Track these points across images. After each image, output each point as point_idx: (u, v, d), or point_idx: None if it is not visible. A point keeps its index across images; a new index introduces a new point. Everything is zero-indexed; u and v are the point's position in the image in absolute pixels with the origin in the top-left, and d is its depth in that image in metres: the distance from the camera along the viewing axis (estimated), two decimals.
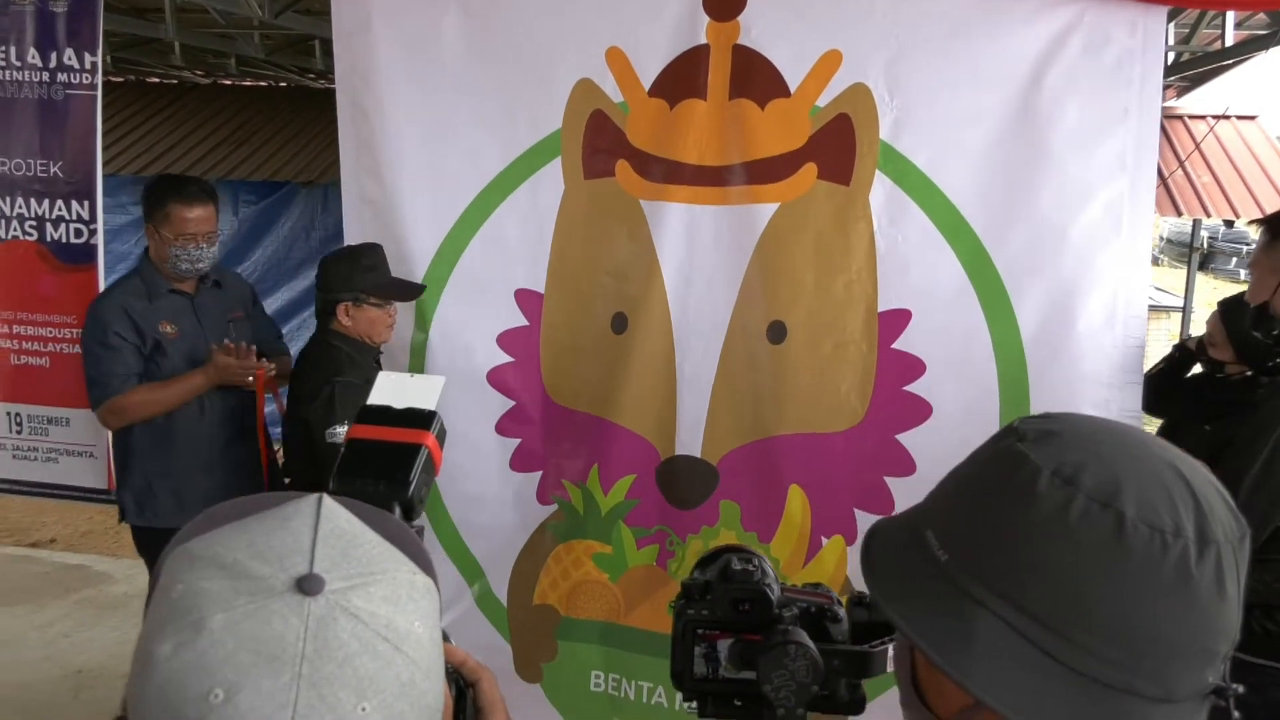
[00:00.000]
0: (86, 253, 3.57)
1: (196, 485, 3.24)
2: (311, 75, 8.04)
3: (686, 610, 1.03)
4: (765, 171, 2.74)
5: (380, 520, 0.75)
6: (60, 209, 3.55)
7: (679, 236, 2.83)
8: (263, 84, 8.93)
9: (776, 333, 2.78)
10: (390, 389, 1.19)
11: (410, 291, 3.19)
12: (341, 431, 3.13)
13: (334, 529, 0.70)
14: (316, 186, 7.80)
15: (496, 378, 3.01)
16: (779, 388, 2.79)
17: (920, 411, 2.73)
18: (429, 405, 1.16)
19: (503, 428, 3.03)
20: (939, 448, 2.69)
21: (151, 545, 3.28)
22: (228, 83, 8.92)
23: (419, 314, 3.05)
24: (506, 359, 3.01)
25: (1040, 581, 0.71)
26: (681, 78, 2.78)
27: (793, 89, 2.71)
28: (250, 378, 3.20)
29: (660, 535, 2.94)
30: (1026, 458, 0.75)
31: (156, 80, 8.90)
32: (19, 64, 3.48)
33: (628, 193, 2.86)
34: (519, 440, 3.03)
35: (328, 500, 0.72)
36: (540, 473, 3.04)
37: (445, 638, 0.78)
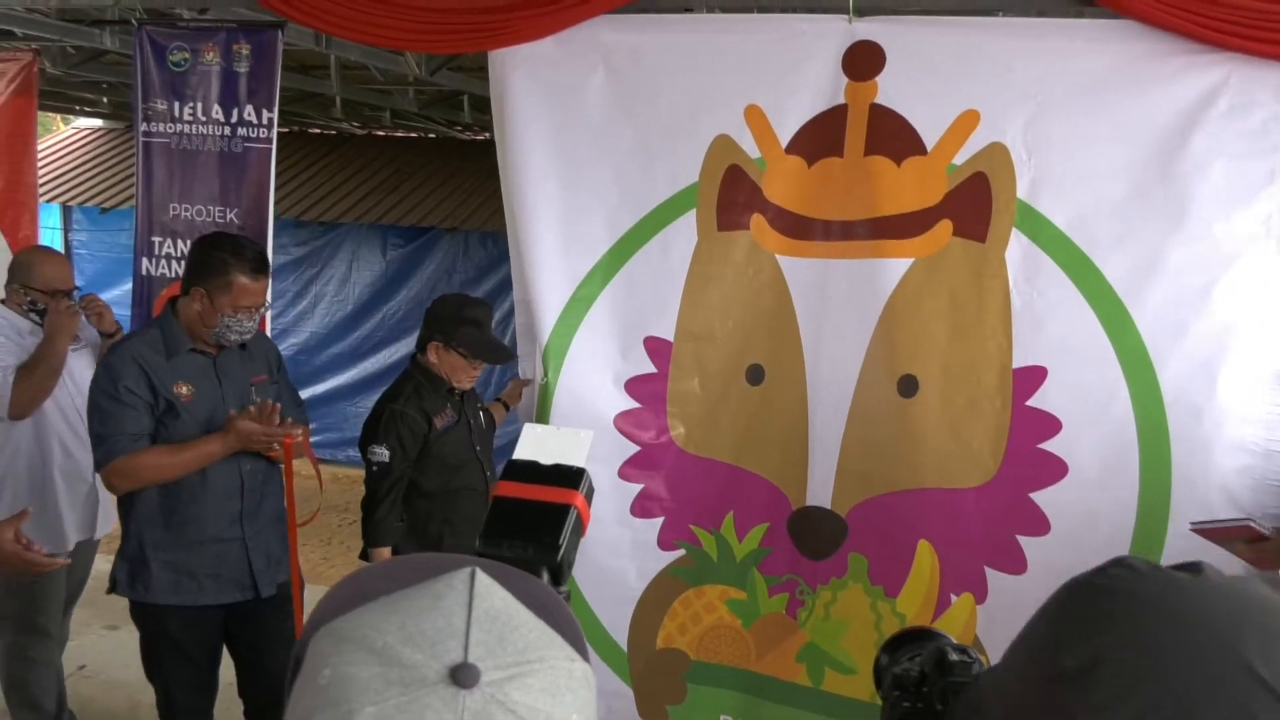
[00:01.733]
0: None
1: (195, 562, 2.94)
2: (459, 128, 8.36)
3: (901, 702, 0.99)
4: (900, 227, 2.75)
5: (531, 590, 0.70)
6: None
7: (813, 290, 2.84)
8: (414, 135, 9.32)
9: (908, 387, 2.77)
10: (536, 443, 1.13)
11: (498, 355, 3.36)
12: (381, 452, 3.28)
13: (488, 609, 0.65)
14: (459, 232, 8.07)
15: (622, 423, 3.05)
16: (910, 442, 2.77)
17: (1055, 470, 2.67)
18: (577, 461, 1.11)
19: (625, 473, 3.06)
20: (1075, 506, 2.64)
21: (145, 618, 3.01)
22: (382, 134, 9.33)
23: (549, 357, 3.11)
24: (633, 405, 3.05)
25: None
26: (819, 136, 2.81)
27: (929, 147, 2.71)
28: (276, 445, 2.93)
29: (790, 584, 2.94)
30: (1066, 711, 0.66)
31: (318, 131, 9.38)
32: (204, 119, 3.74)
33: (761, 246, 2.90)
34: (641, 486, 3.06)
35: (481, 576, 0.67)
36: (662, 519, 3.06)
37: None
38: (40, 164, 9.66)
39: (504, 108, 3.07)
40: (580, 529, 1.05)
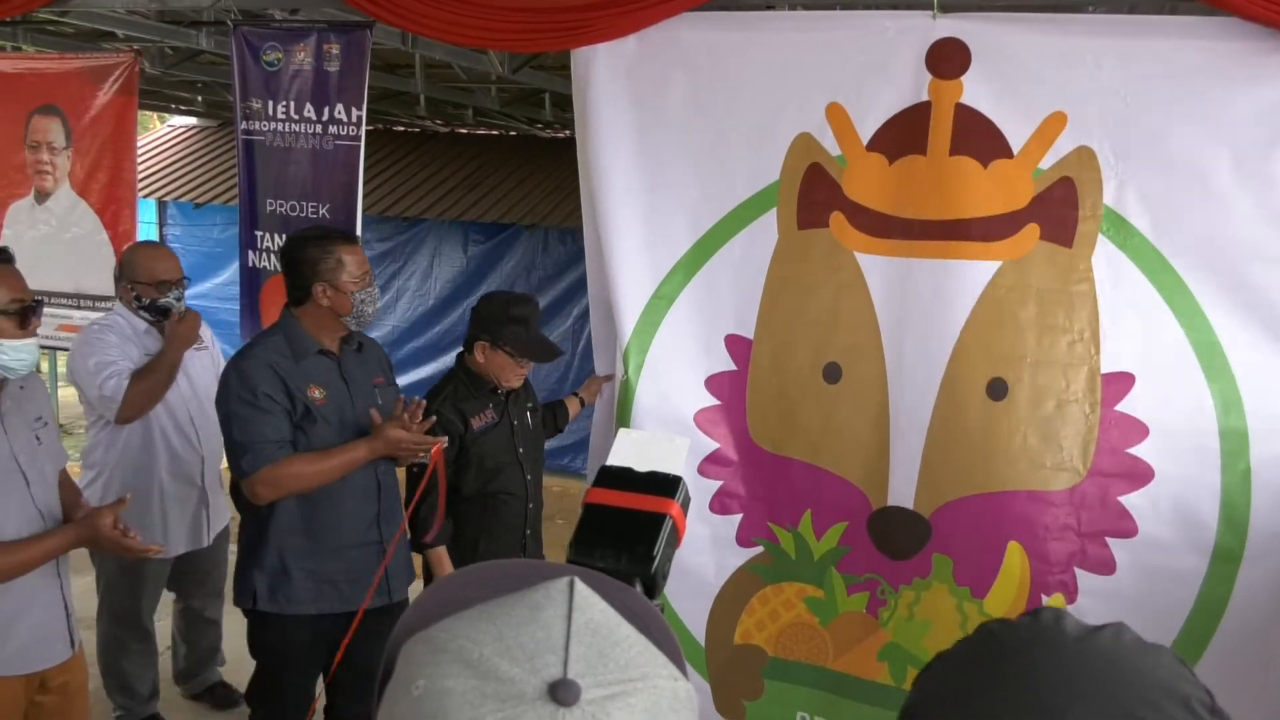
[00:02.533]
0: None
1: (336, 568, 2.87)
2: (539, 125, 8.45)
3: None
4: (986, 230, 2.71)
5: (628, 602, 0.67)
6: None
7: (894, 289, 2.82)
8: (495, 133, 9.44)
9: (997, 389, 2.74)
10: (630, 449, 1.09)
11: (544, 353, 3.30)
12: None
13: (588, 622, 0.62)
14: (539, 229, 8.15)
15: (702, 420, 3.06)
16: (999, 444, 2.75)
17: (1143, 474, 2.66)
18: (674, 469, 1.07)
19: (704, 470, 3.07)
20: (1161, 509, 2.64)
21: (271, 633, 2.90)
22: (464, 131, 9.47)
23: (630, 355, 3.12)
24: (713, 402, 3.06)
25: None
26: (901, 134, 2.78)
27: (1015, 150, 2.67)
28: (422, 454, 2.88)
29: (871, 583, 2.94)
30: None
31: (402, 128, 9.56)
32: (297, 117, 3.85)
33: (842, 244, 2.88)
34: (720, 483, 3.07)
35: (580, 586, 0.64)
36: (740, 515, 3.07)
37: None
38: (138, 160, 10.05)
39: (585, 106, 3.09)
40: (675, 539, 1.01)
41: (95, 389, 3.36)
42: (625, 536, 0.98)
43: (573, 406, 3.77)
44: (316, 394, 2.83)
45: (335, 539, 2.86)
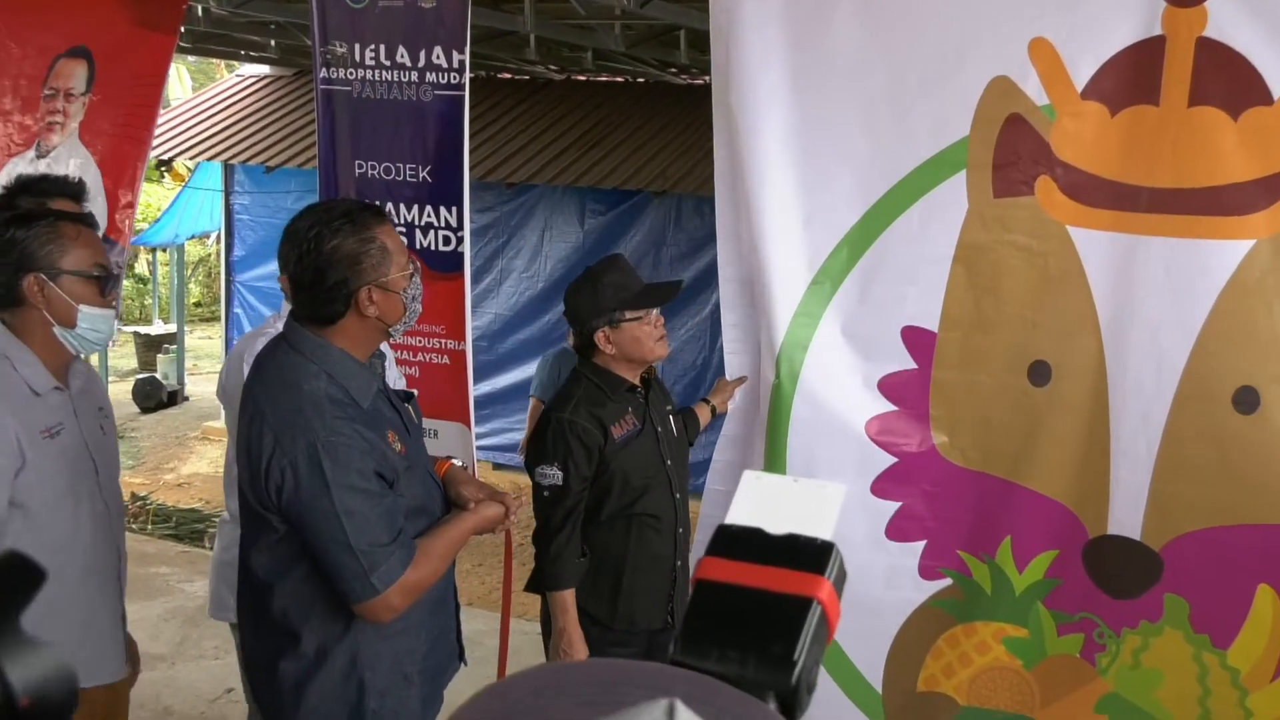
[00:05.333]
0: (455, 261, 4.07)
1: (420, 649, 2.76)
2: (674, 70, 8.52)
3: None
4: (1238, 199, 2.66)
5: None
6: (429, 215, 4.06)
7: (1118, 273, 2.80)
8: (620, 80, 9.57)
9: (1248, 401, 2.70)
10: (761, 500, 0.93)
11: (666, 292, 3.30)
12: (551, 472, 3.23)
13: None
14: (670, 196, 8.22)
15: (876, 429, 3.08)
16: (1249, 467, 2.71)
17: None
18: (823, 531, 0.91)
19: (880, 489, 3.09)
20: None
21: None
22: (582, 78, 9.62)
23: (785, 351, 3.14)
24: (889, 407, 3.07)
25: None
26: (1127, 77, 2.75)
27: (1276, 96, 2.62)
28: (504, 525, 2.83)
29: (1086, 624, 2.94)
30: None
31: (507, 76, 9.78)
32: (388, 64, 3.98)
33: (1050, 216, 2.86)
34: (899, 504, 3.09)
35: (683, 713, 0.58)
36: (924, 542, 3.08)
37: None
38: (200, 118, 10.53)
39: (728, 45, 3.12)
40: (826, 634, 0.87)
41: None
42: (754, 630, 0.84)
43: (703, 414, 3.80)
44: (397, 443, 2.60)
45: (424, 614, 2.73)
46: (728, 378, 3.46)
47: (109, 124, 4.89)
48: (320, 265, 2.50)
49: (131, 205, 5.03)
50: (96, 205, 4.55)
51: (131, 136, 4.96)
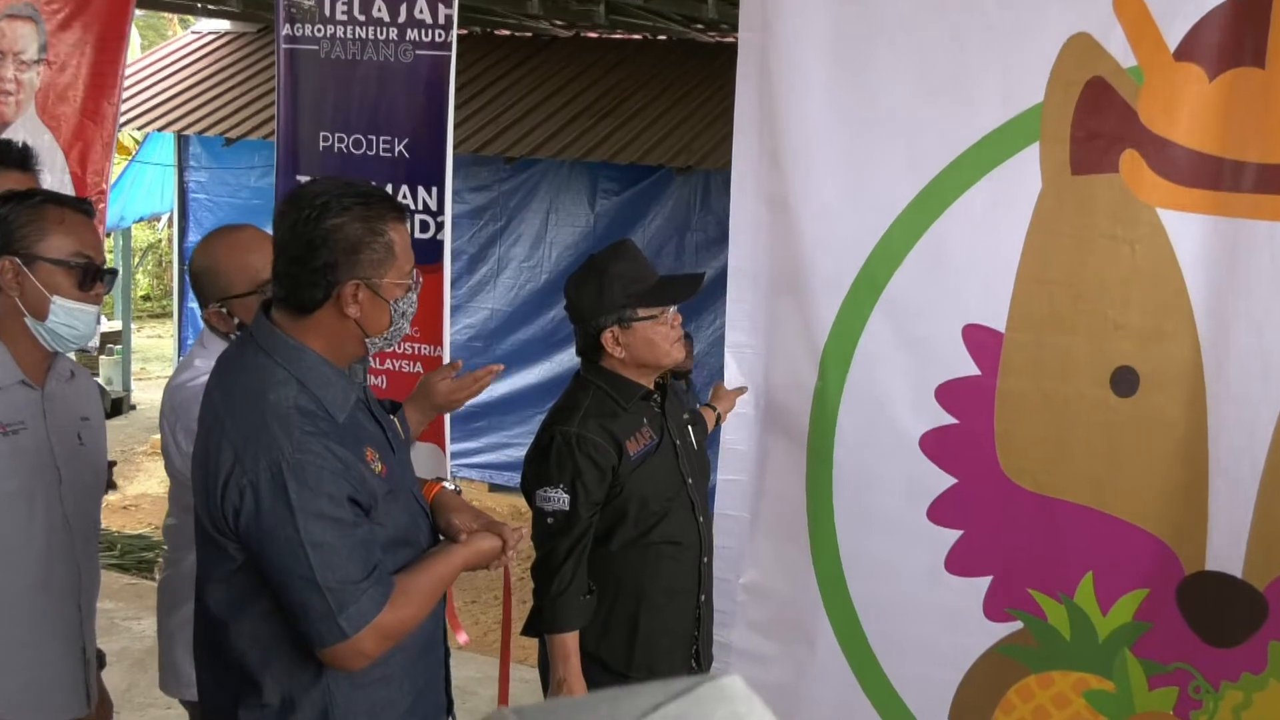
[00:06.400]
0: (434, 250, 3.94)
1: (405, 685, 2.71)
2: (700, 26, 8.53)
3: None
4: None
5: None
6: (405, 196, 3.95)
7: (1219, 263, 2.80)
8: (637, 37, 9.56)
9: None
10: None
11: (687, 287, 3.25)
12: (555, 495, 3.16)
13: None
14: (695, 173, 8.19)
15: (933, 445, 3.09)
16: None
17: None
18: None
19: (938, 514, 3.10)
20: None
21: None
22: (593, 36, 9.62)
23: (827, 354, 3.16)
24: (948, 420, 3.08)
25: None
26: (1228, 35, 2.75)
27: None
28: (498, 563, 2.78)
29: (1181, 675, 2.94)
30: None
31: (507, 33, 9.77)
32: (363, 18, 3.96)
33: (1139, 197, 2.87)
34: (959, 533, 3.10)
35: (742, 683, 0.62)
36: (990, 578, 3.09)
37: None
38: (149, 81, 10.54)
39: None
40: None
41: None
42: None
43: (710, 420, 3.80)
44: (377, 463, 2.55)
45: (407, 661, 2.68)
46: (727, 383, 3.48)
47: (69, 98, 4.94)
48: (314, 239, 2.44)
49: (104, 192, 5.04)
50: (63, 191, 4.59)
51: (95, 112, 4.99)
